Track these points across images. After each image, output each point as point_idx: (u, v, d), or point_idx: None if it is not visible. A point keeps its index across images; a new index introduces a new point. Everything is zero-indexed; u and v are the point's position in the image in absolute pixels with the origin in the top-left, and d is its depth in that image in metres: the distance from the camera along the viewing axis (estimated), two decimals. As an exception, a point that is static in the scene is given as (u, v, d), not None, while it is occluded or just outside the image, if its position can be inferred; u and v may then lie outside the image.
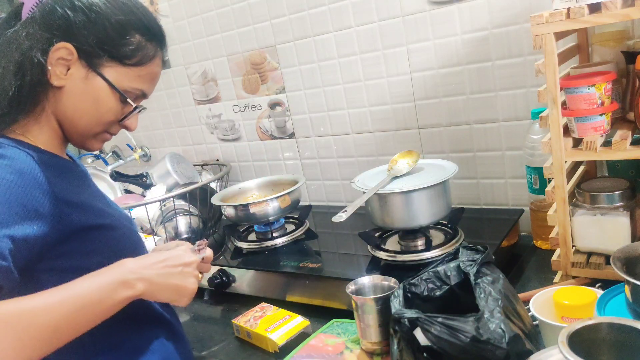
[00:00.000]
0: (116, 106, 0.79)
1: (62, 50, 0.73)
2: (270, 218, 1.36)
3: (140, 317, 0.84)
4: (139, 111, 0.83)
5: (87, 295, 0.67)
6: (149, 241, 1.35)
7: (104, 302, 0.68)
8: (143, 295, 0.72)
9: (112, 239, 0.81)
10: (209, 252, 0.86)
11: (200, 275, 0.82)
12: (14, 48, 0.73)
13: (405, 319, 0.71)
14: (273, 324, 1.05)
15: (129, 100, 0.80)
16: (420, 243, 1.13)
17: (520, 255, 1.18)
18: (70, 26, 0.73)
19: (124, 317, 0.72)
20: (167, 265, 0.75)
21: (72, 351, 0.70)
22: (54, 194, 0.72)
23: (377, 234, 1.21)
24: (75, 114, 0.77)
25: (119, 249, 0.80)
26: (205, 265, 0.86)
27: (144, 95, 0.83)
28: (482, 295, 0.73)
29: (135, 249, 0.86)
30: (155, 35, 0.81)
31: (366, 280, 0.93)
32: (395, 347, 0.74)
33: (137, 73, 0.79)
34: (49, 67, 0.73)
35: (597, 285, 0.85)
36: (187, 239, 1.44)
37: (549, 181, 0.98)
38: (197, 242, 0.87)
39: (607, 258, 0.93)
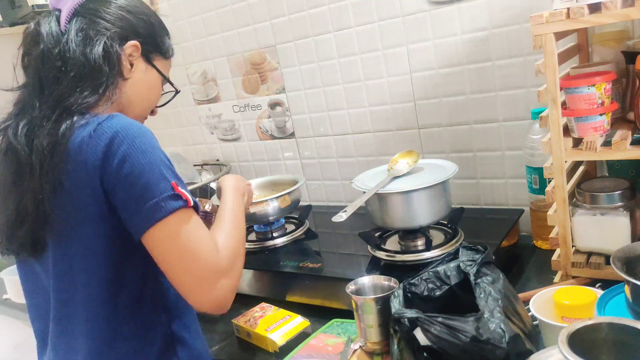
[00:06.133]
0: (160, 92, 0.97)
1: (133, 47, 0.87)
2: (270, 218, 1.36)
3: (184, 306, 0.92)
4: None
5: (240, 207, 0.96)
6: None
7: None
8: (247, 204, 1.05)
9: None
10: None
11: None
12: (96, 42, 0.83)
13: (405, 319, 0.71)
14: (273, 324, 1.05)
15: (174, 85, 1.00)
16: (420, 243, 1.13)
17: (520, 255, 1.18)
18: (135, 27, 0.88)
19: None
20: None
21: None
22: None
23: (377, 234, 1.21)
24: (137, 100, 0.90)
25: None
26: None
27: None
28: (482, 295, 0.73)
29: None
30: (169, 34, 0.98)
31: (366, 280, 0.93)
32: (395, 347, 0.74)
33: (169, 64, 0.97)
34: (123, 62, 0.86)
35: (597, 285, 0.85)
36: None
37: (549, 181, 0.98)
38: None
39: (607, 258, 0.93)
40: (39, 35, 0.83)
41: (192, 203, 0.78)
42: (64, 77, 0.80)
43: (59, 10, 0.85)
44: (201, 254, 0.76)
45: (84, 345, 0.82)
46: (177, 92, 1.01)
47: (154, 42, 0.91)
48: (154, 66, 0.92)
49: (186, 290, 0.77)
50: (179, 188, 0.76)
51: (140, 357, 0.84)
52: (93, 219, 0.77)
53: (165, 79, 0.96)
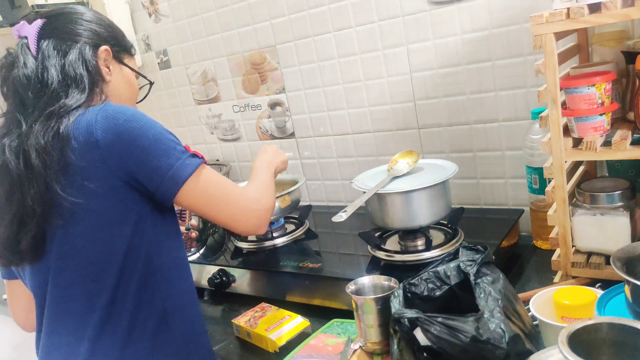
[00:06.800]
0: (138, 87, 1.03)
1: (105, 52, 0.93)
2: (271, 218, 1.36)
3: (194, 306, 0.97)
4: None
5: (270, 176, 1.06)
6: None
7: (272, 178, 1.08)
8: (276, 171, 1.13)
9: None
10: None
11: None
12: (70, 53, 0.88)
13: (405, 319, 0.71)
14: (273, 324, 1.05)
15: (148, 78, 1.07)
16: (420, 243, 1.13)
17: (520, 255, 1.18)
18: (101, 34, 0.94)
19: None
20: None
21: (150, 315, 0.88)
22: None
23: (377, 234, 1.21)
24: (122, 100, 0.95)
25: None
26: None
27: None
28: (482, 295, 0.73)
29: None
30: (124, 34, 1.04)
31: (366, 280, 0.93)
32: (395, 347, 0.74)
33: (135, 60, 1.02)
34: (101, 67, 0.92)
35: (597, 285, 0.85)
36: (187, 237, 1.44)
37: (549, 181, 0.98)
38: None
39: (607, 258, 0.93)
40: (14, 65, 0.87)
41: (205, 159, 0.90)
42: (47, 92, 0.85)
43: (26, 38, 0.89)
44: (231, 191, 0.91)
45: (88, 325, 0.84)
46: (151, 83, 1.09)
47: (120, 43, 0.97)
48: (126, 65, 0.98)
49: (232, 221, 0.90)
50: (191, 149, 0.88)
51: (135, 332, 0.86)
52: (105, 192, 0.81)
53: (139, 74, 1.02)
